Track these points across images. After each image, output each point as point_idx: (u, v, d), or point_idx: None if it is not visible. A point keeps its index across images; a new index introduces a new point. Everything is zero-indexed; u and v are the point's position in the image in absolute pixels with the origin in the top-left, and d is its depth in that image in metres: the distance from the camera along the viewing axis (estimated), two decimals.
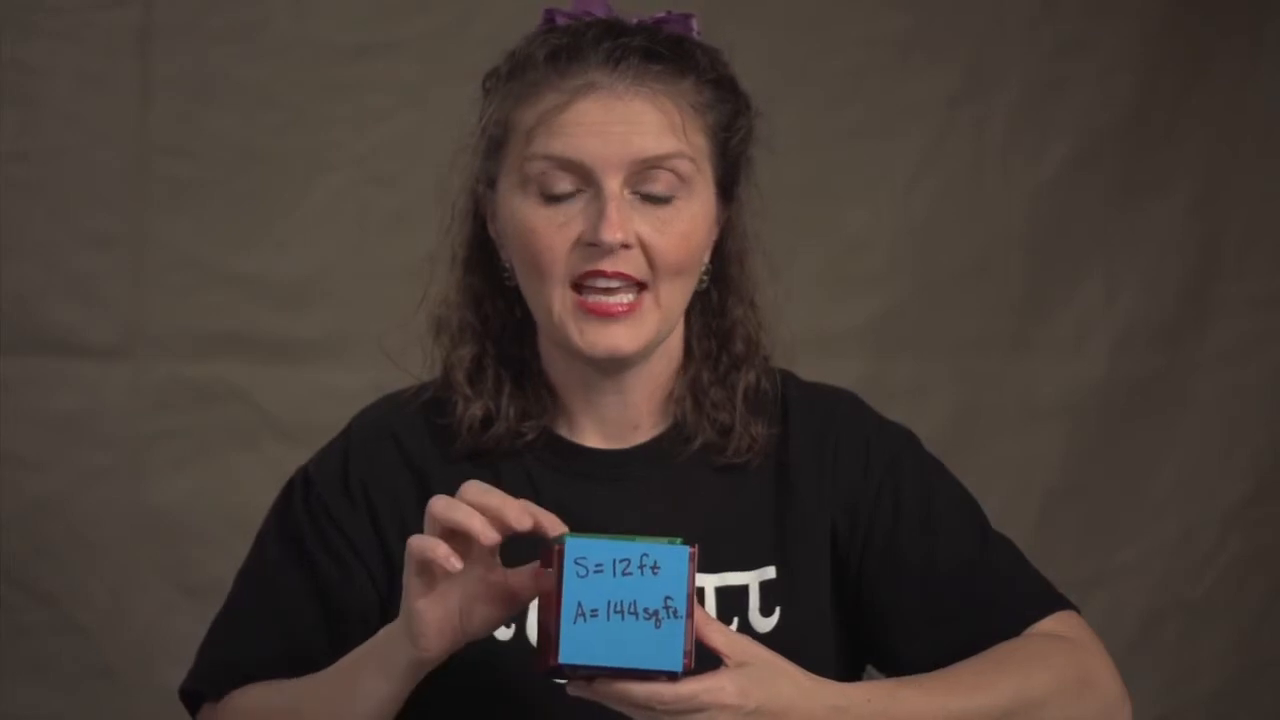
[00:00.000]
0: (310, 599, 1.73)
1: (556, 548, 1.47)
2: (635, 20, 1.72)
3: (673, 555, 1.48)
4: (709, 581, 1.70)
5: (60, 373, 2.90)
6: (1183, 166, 3.25)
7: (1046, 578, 1.79)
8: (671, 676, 1.48)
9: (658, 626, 1.47)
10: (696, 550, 1.49)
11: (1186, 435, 3.28)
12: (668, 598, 1.47)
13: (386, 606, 1.70)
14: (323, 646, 1.71)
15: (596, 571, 1.46)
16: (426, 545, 1.52)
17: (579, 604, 1.46)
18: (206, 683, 1.75)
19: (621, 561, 1.47)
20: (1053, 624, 1.73)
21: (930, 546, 1.73)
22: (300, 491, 1.77)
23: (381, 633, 1.61)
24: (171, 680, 1.83)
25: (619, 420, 1.75)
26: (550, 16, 1.73)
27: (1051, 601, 1.75)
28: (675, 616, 1.47)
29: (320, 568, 1.73)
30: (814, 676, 1.57)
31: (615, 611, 1.46)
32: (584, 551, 1.46)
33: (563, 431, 1.76)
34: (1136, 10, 3.22)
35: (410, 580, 1.54)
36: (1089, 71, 3.22)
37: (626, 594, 1.46)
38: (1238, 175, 3.28)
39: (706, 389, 1.76)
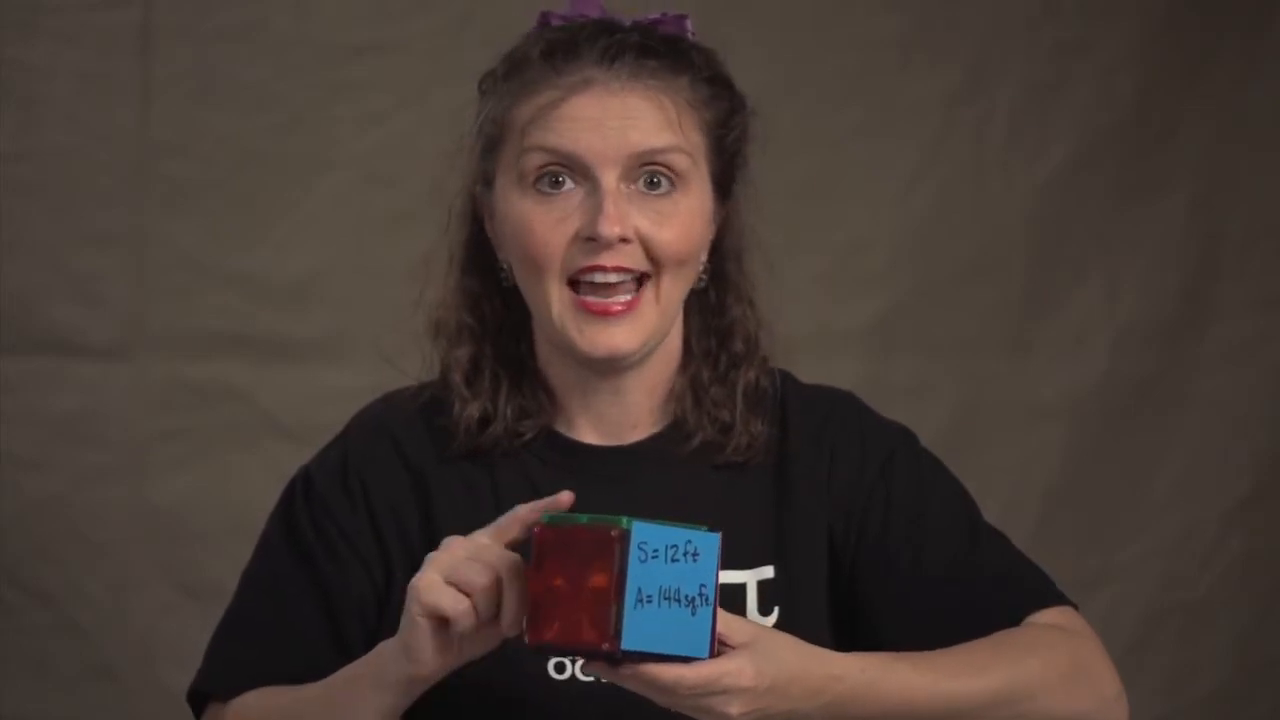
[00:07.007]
0: (314, 599, 1.72)
1: (615, 532, 1.44)
2: (630, 21, 1.73)
3: (708, 542, 1.47)
4: None
5: (60, 373, 2.91)
6: (1183, 166, 3.25)
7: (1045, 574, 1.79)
8: (686, 661, 1.48)
9: (693, 613, 1.46)
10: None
11: (1186, 435, 3.28)
12: (702, 585, 1.47)
13: (383, 604, 1.71)
14: (326, 646, 1.71)
15: (654, 557, 1.44)
16: (444, 606, 1.50)
17: (639, 589, 1.44)
18: (214, 684, 1.75)
19: (672, 548, 1.45)
20: (1050, 617, 1.73)
21: (918, 547, 1.73)
22: (301, 490, 1.77)
23: (379, 648, 1.61)
24: (171, 680, 1.83)
25: (617, 420, 1.75)
26: (545, 18, 1.74)
27: (1047, 597, 1.75)
28: (706, 603, 1.47)
29: (321, 566, 1.73)
30: (808, 645, 1.57)
31: (664, 598, 1.45)
32: (646, 536, 1.44)
33: (561, 430, 1.76)
34: (1136, 10, 3.22)
35: (415, 618, 1.53)
36: (1089, 71, 3.22)
37: (673, 580, 1.45)
38: (1238, 175, 3.28)
39: (707, 387, 1.76)
